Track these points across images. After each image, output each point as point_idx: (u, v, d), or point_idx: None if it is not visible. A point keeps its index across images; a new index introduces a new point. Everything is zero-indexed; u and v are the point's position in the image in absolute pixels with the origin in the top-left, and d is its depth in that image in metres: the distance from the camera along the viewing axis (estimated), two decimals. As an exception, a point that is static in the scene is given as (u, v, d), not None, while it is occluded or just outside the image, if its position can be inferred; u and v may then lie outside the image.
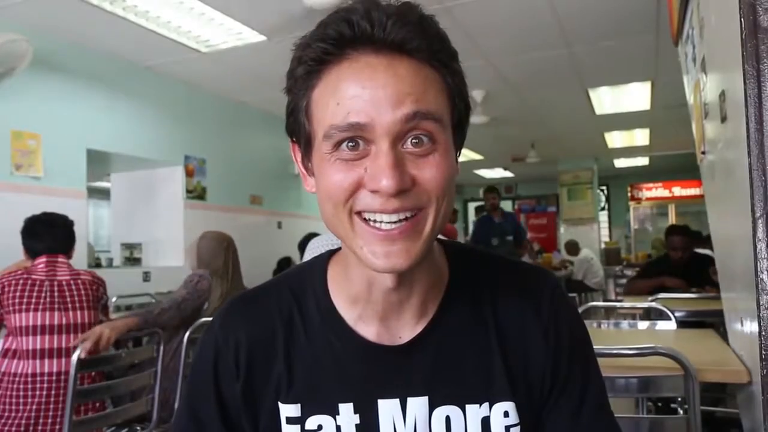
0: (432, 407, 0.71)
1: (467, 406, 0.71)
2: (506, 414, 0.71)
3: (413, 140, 0.62)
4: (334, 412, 0.71)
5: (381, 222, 0.62)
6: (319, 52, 0.63)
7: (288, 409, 0.72)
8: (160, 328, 2.63)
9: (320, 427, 0.71)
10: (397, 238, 0.62)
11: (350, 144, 0.62)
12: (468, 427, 0.71)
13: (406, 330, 0.73)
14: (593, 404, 0.74)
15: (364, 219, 0.63)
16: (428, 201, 0.63)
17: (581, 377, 0.75)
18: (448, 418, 0.71)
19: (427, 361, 0.72)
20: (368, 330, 0.72)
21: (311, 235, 4.50)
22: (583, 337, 0.78)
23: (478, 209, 9.99)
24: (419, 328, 0.73)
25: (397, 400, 0.71)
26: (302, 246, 4.75)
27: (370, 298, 0.71)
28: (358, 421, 0.71)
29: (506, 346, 0.73)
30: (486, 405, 0.71)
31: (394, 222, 0.62)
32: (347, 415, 0.71)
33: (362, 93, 0.61)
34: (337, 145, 0.62)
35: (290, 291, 0.77)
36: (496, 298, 0.75)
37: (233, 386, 0.74)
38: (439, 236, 0.72)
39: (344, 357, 0.72)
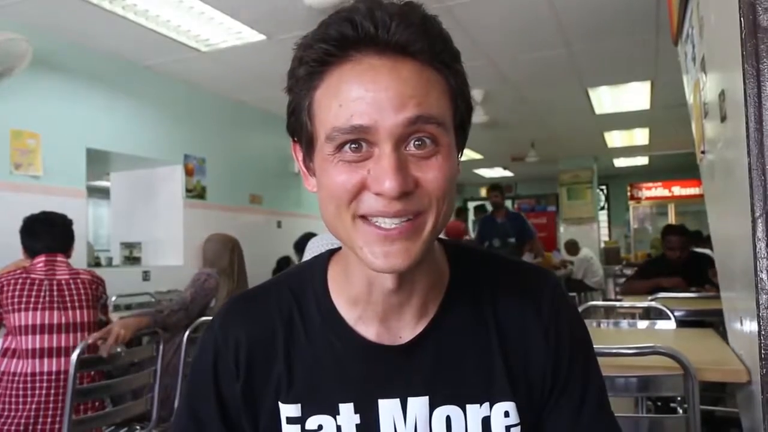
0: (432, 407, 0.71)
1: (468, 406, 0.71)
2: (507, 414, 0.71)
3: (416, 142, 0.62)
4: (334, 412, 0.71)
5: (383, 222, 0.62)
6: (321, 53, 0.62)
7: (288, 409, 0.72)
8: (168, 329, 2.63)
9: (320, 427, 0.71)
10: (396, 238, 0.62)
11: (353, 146, 0.62)
12: (468, 427, 0.71)
13: (407, 330, 0.72)
14: (594, 404, 0.74)
15: (366, 220, 0.63)
16: (429, 203, 0.63)
17: (582, 377, 0.75)
18: (448, 418, 0.71)
19: (428, 361, 0.72)
20: (368, 330, 0.72)
21: (307, 236, 4.51)
22: (583, 337, 0.78)
23: (476, 209, 9.96)
24: (419, 329, 0.72)
25: (398, 400, 0.71)
26: (298, 246, 4.74)
27: (370, 299, 0.71)
28: (358, 421, 0.71)
29: (507, 346, 0.73)
30: (486, 405, 0.71)
31: (395, 222, 0.62)
32: (347, 415, 0.71)
33: (365, 95, 0.60)
34: (340, 147, 0.62)
35: (290, 291, 0.77)
36: (496, 298, 0.75)
37: (233, 386, 0.73)
38: (440, 236, 0.71)
39: (344, 357, 0.72)
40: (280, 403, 0.72)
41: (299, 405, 0.71)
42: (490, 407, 0.71)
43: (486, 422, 0.71)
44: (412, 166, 0.62)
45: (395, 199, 0.60)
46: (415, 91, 0.61)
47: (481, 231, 6.64)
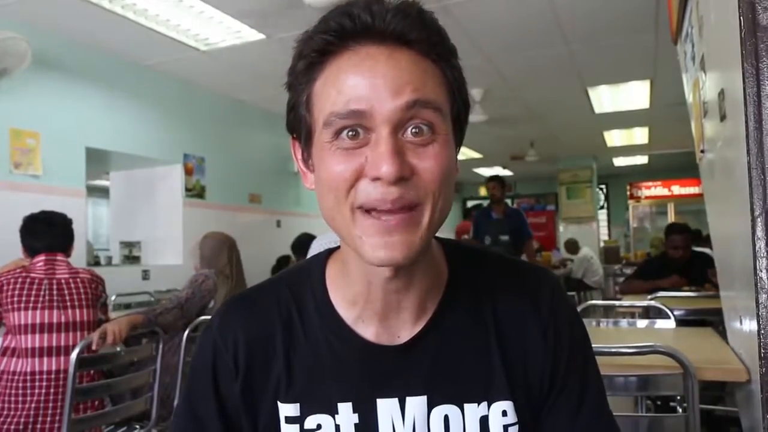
0: (431, 406, 0.71)
1: (466, 406, 0.71)
2: (504, 413, 0.71)
3: (413, 129, 0.62)
4: (333, 412, 0.71)
5: (381, 211, 0.62)
6: (321, 44, 0.64)
7: (287, 409, 0.71)
8: (163, 327, 2.63)
9: (319, 426, 0.71)
10: (395, 230, 0.62)
11: (350, 133, 0.62)
12: (466, 426, 0.71)
13: (405, 330, 0.72)
14: (592, 404, 0.74)
15: (364, 210, 0.63)
16: (426, 194, 0.63)
17: (580, 377, 0.75)
18: (446, 418, 0.71)
19: (426, 361, 0.72)
20: (367, 330, 0.72)
21: (303, 237, 4.51)
22: (582, 337, 0.77)
23: (473, 208, 9.87)
24: (418, 328, 0.72)
25: (396, 400, 0.71)
26: (295, 247, 4.74)
27: (368, 297, 0.71)
28: (357, 421, 0.71)
29: (505, 346, 0.73)
30: (484, 404, 0.71)
31: (394, 212, 0.62)
32: (346, 414, 0.71)
33: (363, 82, 0.61)
34: (338, 134, 0.62)
35: (289, 290, 0.76)
36: (495, 298, 0.75)
37: (232, 385, 0.73)
38: (438, 235, 0.71)
39: (343, 357, 0.72)
40: (279, 402, 0.72)
41: (298, 404, 0.71)
42: (488, 406, 0.71)
43: (484, 421, 0.71)
44: (409, 153, 0.62)
45: (392, 185, 0.60)
46: (412, 77, 0.62)
47: (475, 225, 6.18)
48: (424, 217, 0.63)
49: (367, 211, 0.63)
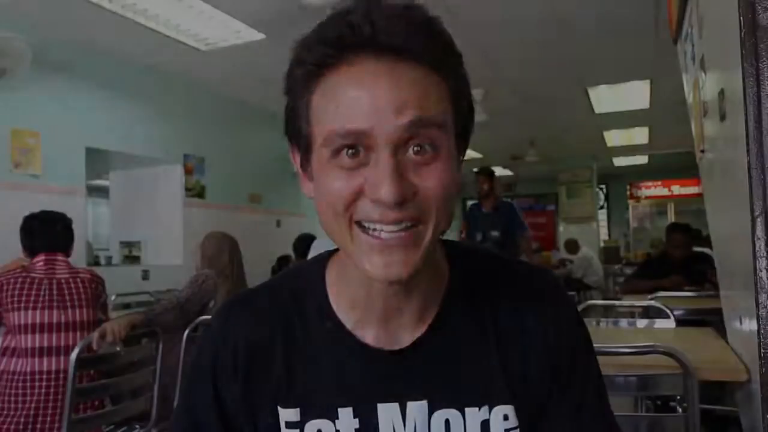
0: (431, 411, 0.70)
1: (466, 410, 0.70)
2: (506, 417, 0.70)
3: (415, 148, 0.60)
4: (333, 417, 0.70)
5: (380, 231, 0.61)
6: (319, 55, 0.61)
7: (287, 414, 0.71)
8: (162, 327, 2.63)
9: (319, 431, 0.70)
10: (395, 249, 0.61)
11: (350, 151, 0.60)
12: (467, 431, 0.70)
13: (406, 334, 0.71)
14: (593, 405, 0.74)
15: (363, 227, 0.62)
16: (428, 213, 0.61)
17: (582, 378, 0.74)
18: (447, 422, 0.70)
19: (427, 365, 0.71)
20: (367, 334, 0.71)
21: (304, 237, 4.51)
22: (584, 338, 0.76)
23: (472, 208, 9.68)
24: (418, 332, 0.71)
25: (397, 404, 0.70)
26: (296, 247, 4.74)
27: (369, 301, 0.70)
28: (357, 426, 0.70)
29: (506, 348, 0.72)
30: (485, 408, 0.70)
31: (393, 231, 0.61)
32: (347, 419, 0.70)
33: (363, 99, 0.59)
34: (337, 152, 0.60)
35: (290, 293, 0.76)
36: (496, 299, 0.74)
37: (232, 388, 0.72)
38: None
39: (343, 361, 0.71)
40: (279, 407, 0.71)
41: (298, 409, 0.71)
42: (489, 411, 0.70)
43: (485, 425, 0.70)
44: (410, 173, 0.60)
45: (392, 207, 0.59)
46: (413, 94, 0.59)
47: (468, 222, 5.95)
48: (426, 235, 0.62)
49: (365, 228, 0.61)
